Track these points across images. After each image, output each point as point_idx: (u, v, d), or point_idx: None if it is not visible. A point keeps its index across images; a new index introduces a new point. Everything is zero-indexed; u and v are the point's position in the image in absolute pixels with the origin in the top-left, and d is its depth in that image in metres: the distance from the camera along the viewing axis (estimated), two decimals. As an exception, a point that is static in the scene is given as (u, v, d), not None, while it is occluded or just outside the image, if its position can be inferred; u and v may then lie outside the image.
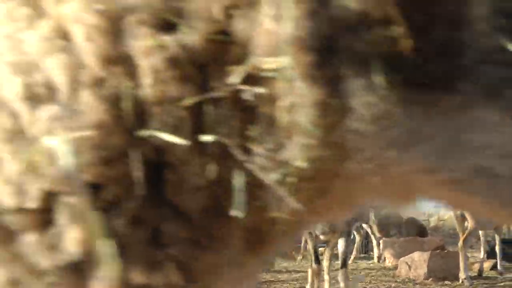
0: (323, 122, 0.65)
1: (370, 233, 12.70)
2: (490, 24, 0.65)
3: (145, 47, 0.66)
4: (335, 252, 11.91)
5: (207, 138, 0.67)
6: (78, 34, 0.68)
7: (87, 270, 0.69)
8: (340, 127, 0.65)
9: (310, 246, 12.28)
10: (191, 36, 0.65)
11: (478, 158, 0.65)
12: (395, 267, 8.76)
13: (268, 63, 0.64)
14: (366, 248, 11.92)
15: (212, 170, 0.68)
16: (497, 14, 0.66)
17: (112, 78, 0.67)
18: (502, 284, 7.50)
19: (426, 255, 8.19)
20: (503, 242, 9.85)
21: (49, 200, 0.68)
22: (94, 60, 0.68)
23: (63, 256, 0.68)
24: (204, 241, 0.71)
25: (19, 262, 0.70)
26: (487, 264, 8.83)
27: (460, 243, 8.19)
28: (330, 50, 0.64)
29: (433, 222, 18.38)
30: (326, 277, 7.97)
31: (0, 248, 0.70)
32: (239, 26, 0.64)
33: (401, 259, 8.43)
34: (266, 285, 7.34)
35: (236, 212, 0.68)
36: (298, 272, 9.16)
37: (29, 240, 0.68)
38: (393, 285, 7.25)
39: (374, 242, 11.66)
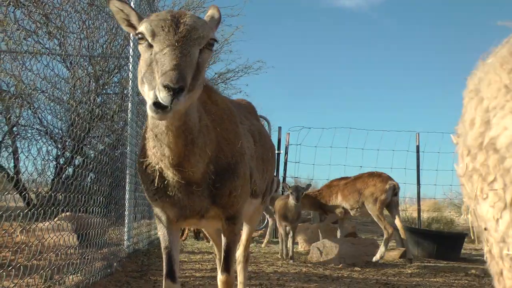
0: None
1: (283, 218, 12.86)
2: None
3: None
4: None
5: None
6: None
7: None
8: None
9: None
10: None
11: None
12: (307, 252, 8.80)
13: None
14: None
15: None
16: None
17: None
18: (409, 271, 7.70)
19: (337, 241, 8.29)
20: (410, 230, 10.14)
21: None
22: None
23: None
24: None
25: None
26: (396, 252, 9.09)
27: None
28: None
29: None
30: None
31: None
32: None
33: (313, 244, 8.50)
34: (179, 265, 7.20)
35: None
36: (211, 253, 9.08)
37: None
38: (304, 269, 7.30)
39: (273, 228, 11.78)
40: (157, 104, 2.45)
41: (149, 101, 2.49)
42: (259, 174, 4.00)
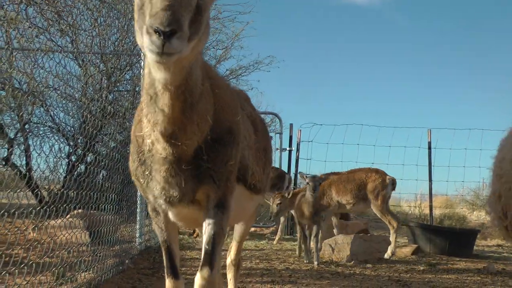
0: None
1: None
2: None
3: None
4: (261, 232, 11.95)
5: None
6: None
7: None
8: None
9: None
10: None
11: None
12: (319, 249, 8.78)
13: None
14: (291, 229, 11.93)
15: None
16: None
17: None
18: (421, 268, 7.66)
19: (349, 238, 8.24)
20: (422, 227, 10.10)
21: None
22: None
23: None
24: None
25: None
26: (408, 249, 9.05)
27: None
28: None
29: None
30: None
31: None
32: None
33: (325, 241, 8.46)
34: (190, 262, 7.23)
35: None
36: (222, 250, 9.07)
37: None
38: (316, 266, 7.29)
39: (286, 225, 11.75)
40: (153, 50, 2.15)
41: (146, 47, 2.17)
42: (259, 167, 3.52)
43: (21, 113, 8.18)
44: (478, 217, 18.19)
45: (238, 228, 4.27)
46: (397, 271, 7.31)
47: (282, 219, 10.95)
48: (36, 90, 5.63)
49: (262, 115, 15.23)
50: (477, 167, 13.22)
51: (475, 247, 10.36)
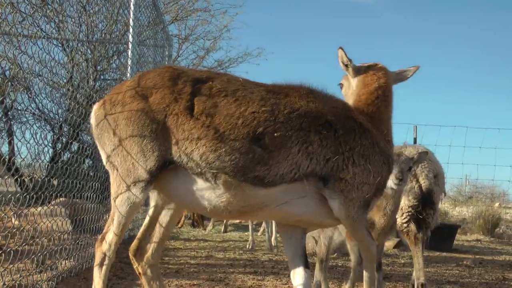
0: None
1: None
2: None
3: None
4: (246, 224, 11.98)
5: None
6: None
7: None
8: None
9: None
10: None
11: None
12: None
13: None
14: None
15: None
16: None
17: None
18: (402, 261, 7.72)
19: (332, 231, 8.25)
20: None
21: None
22: None
23: None
24: None
25: None
26: (391, 243, 9.11)
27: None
28: None
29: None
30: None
31: None
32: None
33: (309, 233, 8.46)
34: (173, 252, 7.23)
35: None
36: (207, 241, 9.10)
37: None
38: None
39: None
40: None
41: None
42: None
43: (1, 99, 8.10)
44: (459, 212, 18.34)
45: None
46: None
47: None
48: (18, 75, 5.59)
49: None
50: (460, 164, 13.29)
51: (455, 242, 10.47)
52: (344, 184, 3.07)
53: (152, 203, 3.48)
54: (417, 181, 5.55)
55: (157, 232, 3.57)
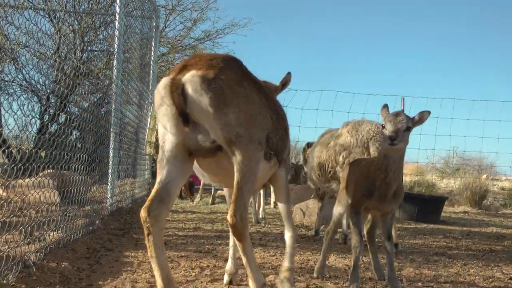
0: None
1: (267, 179, 12.83)
2: None
3: None
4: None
5: None
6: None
7: None
8: None
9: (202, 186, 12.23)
10: None
11: None
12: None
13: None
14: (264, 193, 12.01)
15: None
16: None
17: None
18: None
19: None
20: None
21: None
22: None
23: None
24: None
25: None
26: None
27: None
28: None
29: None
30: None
31: None
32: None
33: (296, 205, 8.55)
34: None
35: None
36: (194, 213, 9.14)
37: None
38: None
39: (272, 188, 11.81)
40: None
41: None
42: None
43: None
44: (447, 184, 18.52)
45: None
46: (365, 235, 7.43)
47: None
48: (4, 46, 5.53)
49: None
50: (448, 136, 13.35)
51: (442, 214, 10.57)
52: None
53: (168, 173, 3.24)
54: (368, 153, 6.03)
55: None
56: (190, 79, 2.95)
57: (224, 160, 3.11)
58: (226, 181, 3.43)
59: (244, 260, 3.24)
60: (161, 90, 3.00)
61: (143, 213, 3.03)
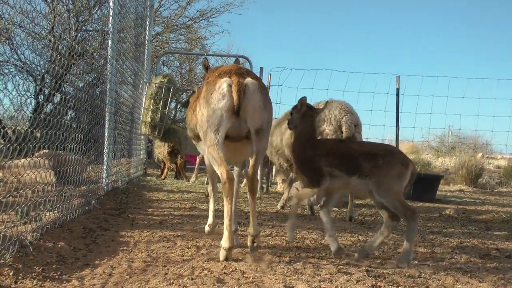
0: None
1: (263, 158, 12.77)
2: None
3: None
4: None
5: None
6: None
7: None
8: None
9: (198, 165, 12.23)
10: None
11: None
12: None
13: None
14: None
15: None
16: None
17: None
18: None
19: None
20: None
21: None
22: None
23: None
24: None
25: None
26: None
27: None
28: None
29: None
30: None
31: None
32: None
33: (293, 184, 8.56)
34: (157, 203, 7.28)
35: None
36: (190, 192, 9.15)
37: None
38: (279, 208, 7.46)
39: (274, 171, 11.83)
40: None
41: None
42: None
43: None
44: (442, 163, 18.56)
45: None
46: (361, 214, 7.48)
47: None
48: (-1, 26, 5.48)
49: (233, 58, 15.10)
50: (443, 114, 13.38)
51: (438, 192, 10.62)
52: None
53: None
54: (341, 130, 6.87)
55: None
56: (251, 82, 4.05)
57: (244, 144, 4.23)
58: (239, 158, 4.73)
59: (250, 208, 4.39)
60: (225, 87, 4.00)
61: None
